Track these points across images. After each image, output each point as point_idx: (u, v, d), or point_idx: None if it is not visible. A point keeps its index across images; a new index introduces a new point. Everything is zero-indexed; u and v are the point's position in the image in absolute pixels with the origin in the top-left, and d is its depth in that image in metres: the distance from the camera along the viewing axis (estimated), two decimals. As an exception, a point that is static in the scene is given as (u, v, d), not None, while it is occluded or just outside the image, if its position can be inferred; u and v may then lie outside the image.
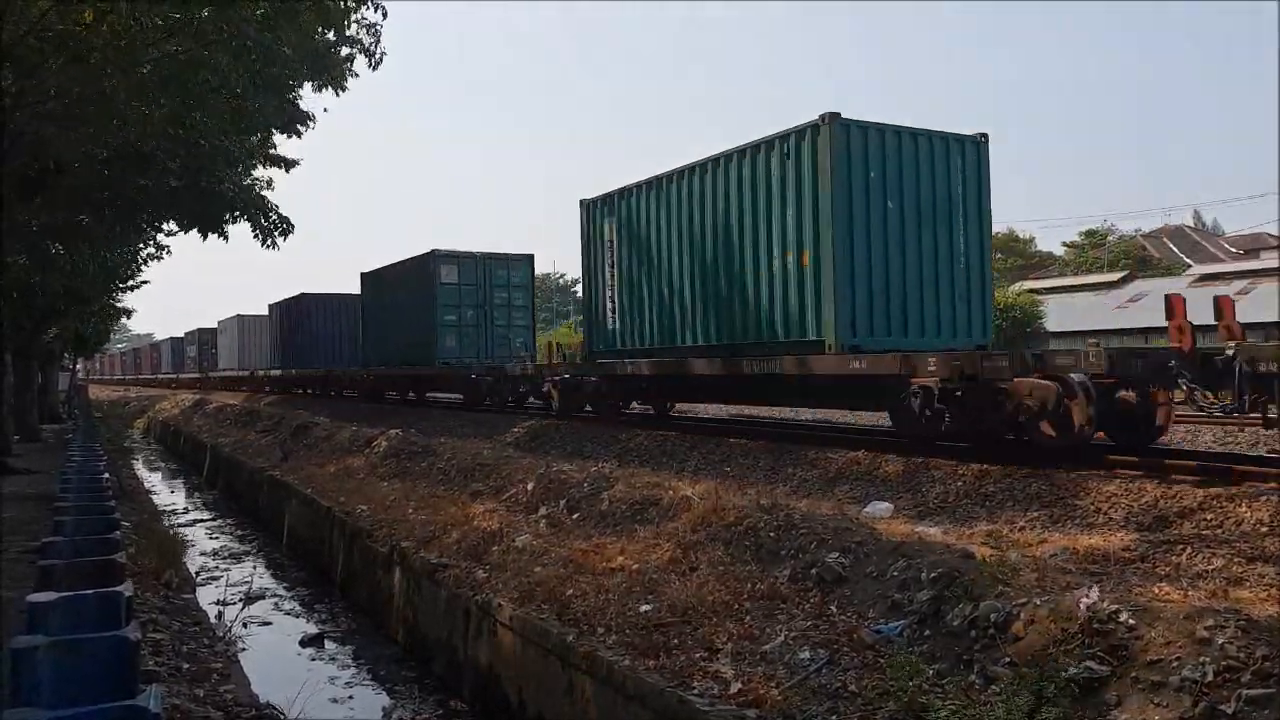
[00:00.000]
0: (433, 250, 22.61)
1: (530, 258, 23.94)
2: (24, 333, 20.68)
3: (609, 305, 15.89)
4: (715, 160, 13.05)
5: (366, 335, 27.94)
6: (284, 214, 14.05)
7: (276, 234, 13.90)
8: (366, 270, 27.78)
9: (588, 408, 16.67)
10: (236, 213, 13.70)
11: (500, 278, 23.11)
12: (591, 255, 16.42)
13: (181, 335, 58.68)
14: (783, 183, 11.70)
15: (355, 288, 31.67)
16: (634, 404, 17.04)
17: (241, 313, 41.95)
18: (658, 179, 14.33)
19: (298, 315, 33.25)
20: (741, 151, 12.53)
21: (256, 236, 14.03)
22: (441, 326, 22.31)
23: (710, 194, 13.10)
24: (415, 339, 23.34)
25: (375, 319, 27.12)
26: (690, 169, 13.56)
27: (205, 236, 14.38)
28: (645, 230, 14.75)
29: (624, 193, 15.32)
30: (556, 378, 17.27)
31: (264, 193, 14.72)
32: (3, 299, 14.36)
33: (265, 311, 39.14)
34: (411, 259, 23.92)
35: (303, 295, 32.99)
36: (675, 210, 13.92)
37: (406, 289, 24.15)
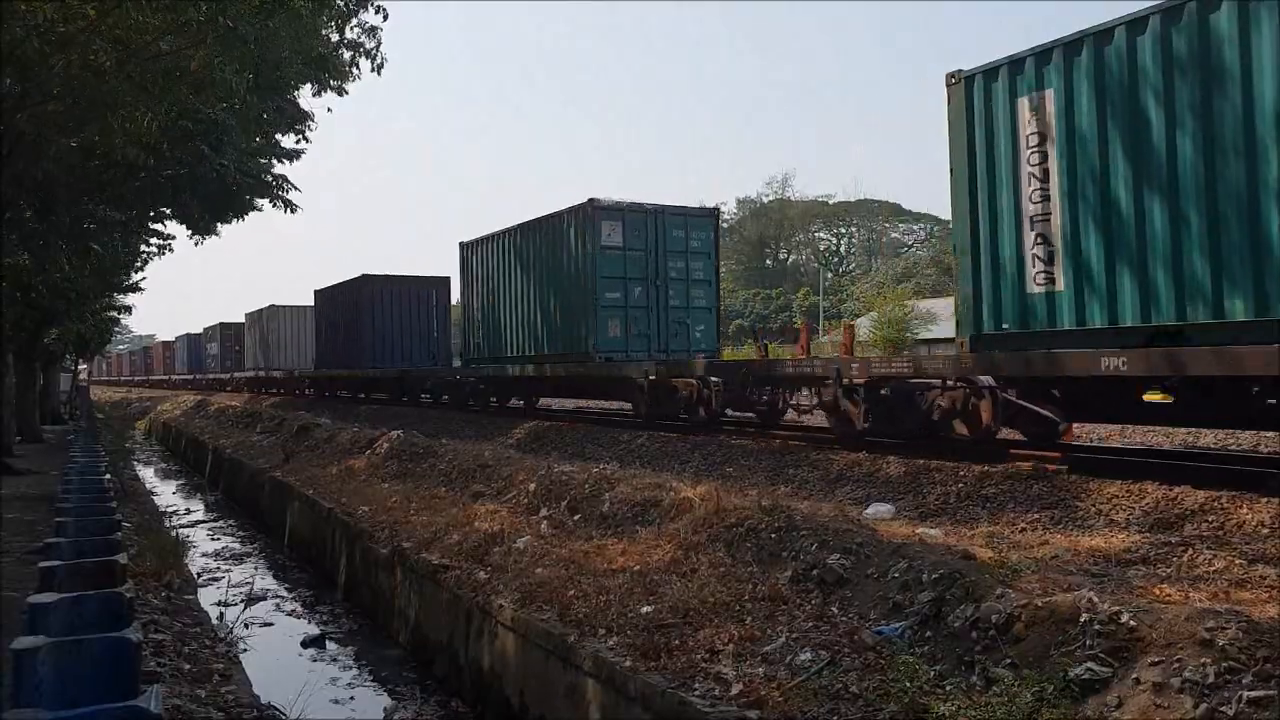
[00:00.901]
0: (591, 200, 16.63)
1: (715, 213, 18.10)
2: (25, 334, 20.73)
3: (1027, 249, 9.30)
4: None
5: (469, 325, 21.81)
6: (280, 174, 14.60)
7: (287, 192, 14.34)
8: (468, 239, 21.83)
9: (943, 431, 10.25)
10: (249, 196, 14.13)
11: (676, 240, 17.08)
12: (985, 165, 9.79)
13: (199, 331, 52.73)
14: None
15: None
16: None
17: (277, 302, 36.71)
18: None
19: (355, 304, 27.56)
20: None
21: (276, 206, 14.59)
22: (601, 309, 16.43)
23: None
24: (559, 327, 17.70)
25: (485, 302, 20.89)
26: None
27: (227, 219, 14.98)
28: (1154, 100, 8.15)
29: (1073, 47, 8.86)
30: (864, 379, 10.82)
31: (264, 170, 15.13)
32: (3, 300, 14.41)
33: (301, 301, 35.19)
34: (554, 215, 17.81)
35: (365, 277, 27.52)
36: None
37: (544, 258, 18.20)
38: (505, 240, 19.94)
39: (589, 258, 16.49)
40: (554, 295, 17.78)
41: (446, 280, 27.98)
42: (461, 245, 22.04)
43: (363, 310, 27.08)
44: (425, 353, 26.76)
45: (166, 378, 61.45)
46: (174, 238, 19.29)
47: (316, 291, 32.41)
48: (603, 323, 16.47)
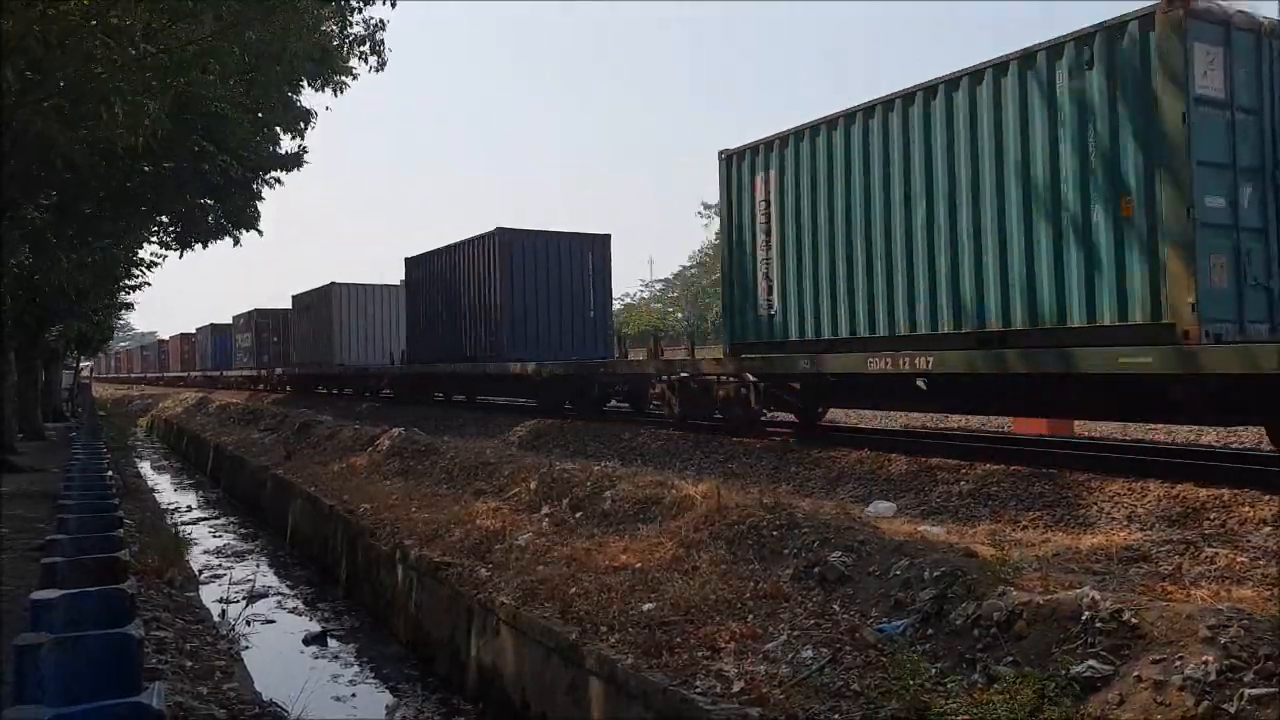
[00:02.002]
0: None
1: None
2: (27, 331, 20.75)
3: None
4: None
5: (737, 291, 13.23)
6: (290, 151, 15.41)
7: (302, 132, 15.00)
8: (735, 146, 13.24)
9: None
10: (256, 180, 14.55)
11: None
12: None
13: (228, 321, 44.58)
14: None
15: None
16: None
17: (338, 280, 29.16)
18: None
19: (481, 272, 20.34)
20: None
21: (287, 171, 15.82)
22: (1204, 229, 7.80)
23: None
24: (1050, 277, 8.88)
25: (793, 249, 12.12)
26: None
27: (233, 225, 15.45)
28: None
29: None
30: None
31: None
32: (4, 298, 14.43)
33: (367, 279, 28.62)
34: (1048, 46, 8.88)
35: (500, 231, 19.74)
36: None
37: (1014, 138, 9.15)
38: (860, 127, 11.08)
39: (1173, 125, 7.94)
40: (1028, 213, 9.15)
41: (606, 238, 20.71)
42: (724, 156, 13.45)
43: (497, 280, 19.56)
44: (582, 339, 19.69)
45: (184, 375, 53.94)
46: (166, 255, 19.61)
47: (409, 260, 24.82)
48: (1202, 258, 7.84)
